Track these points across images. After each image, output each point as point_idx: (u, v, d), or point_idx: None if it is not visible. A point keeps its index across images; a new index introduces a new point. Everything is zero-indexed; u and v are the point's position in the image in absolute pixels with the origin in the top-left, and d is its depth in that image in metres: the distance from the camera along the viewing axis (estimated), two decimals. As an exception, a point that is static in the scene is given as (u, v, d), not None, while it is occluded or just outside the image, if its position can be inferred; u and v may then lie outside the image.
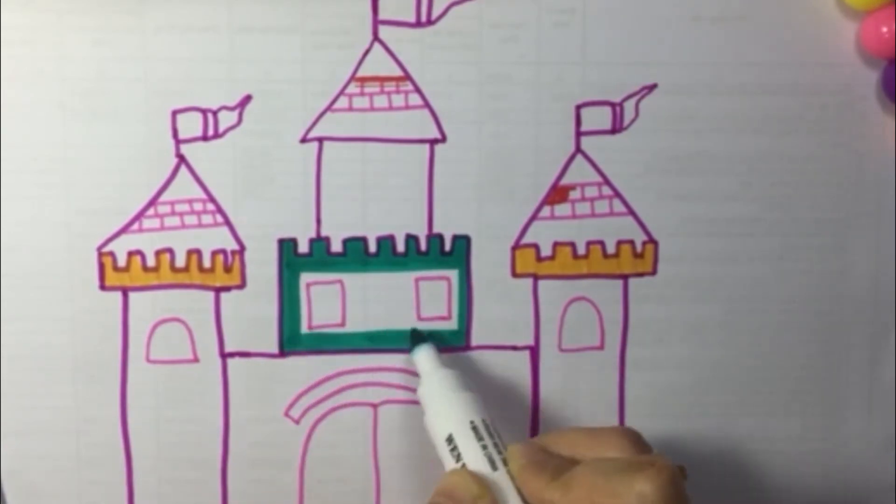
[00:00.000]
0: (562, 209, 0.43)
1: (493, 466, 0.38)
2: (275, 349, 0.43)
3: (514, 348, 0.44)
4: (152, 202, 0.42)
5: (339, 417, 0.44)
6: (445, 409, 0.40)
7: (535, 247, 0.44)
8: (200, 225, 0.43)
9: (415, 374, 0.43)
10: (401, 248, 0.43)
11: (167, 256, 0.43)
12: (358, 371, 0.44)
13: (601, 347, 0.44)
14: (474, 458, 0.38)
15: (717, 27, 0.43)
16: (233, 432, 0.44)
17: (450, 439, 0.39)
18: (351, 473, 0.44)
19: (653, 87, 0.43)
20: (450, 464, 0.39)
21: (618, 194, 0.44)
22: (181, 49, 0.42)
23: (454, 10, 0.42)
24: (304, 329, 0.43)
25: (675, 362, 0.44)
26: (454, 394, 0.40)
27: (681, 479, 0.35)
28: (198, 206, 0.43)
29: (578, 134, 0.43)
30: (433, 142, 0.43)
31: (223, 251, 0.43)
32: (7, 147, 0.42)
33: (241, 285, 0.43)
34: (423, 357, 0.42)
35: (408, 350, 0.43)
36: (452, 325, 0.44)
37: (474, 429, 0.39)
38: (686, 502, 0.35)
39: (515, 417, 0.44)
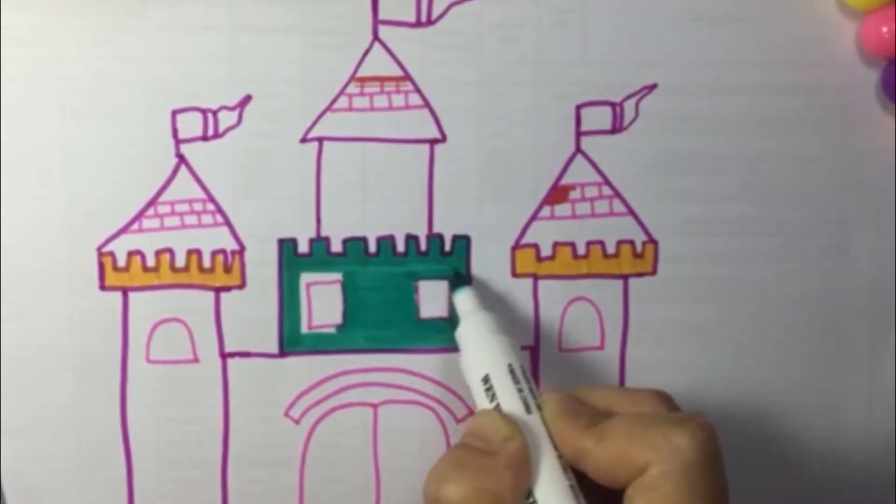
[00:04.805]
0: (562, 209, 0.43)
1: (528, 410, 0.37)
2: (275, 349, 0.43)
3: (514, 348, 0.44)
4: (152, 202, 0.42)
5: (339, 417, 0.44)
6: (483, 349, 0.39)
7: (535, 247, 0.44)
8: (200, 225, 0.43)
9: (415, 374, 0.43)
10: (401, 248, 0.43)
11: (167, 256, 0.43)
12: (358, 371, 0.44)
13: (601, 347, 0.44)
14: (510, 400, 0.38)
15: (717, 27, 0.43)
16: (233, 432, 0.44)
17: (486, 379, 0.38)
18: (351, 473, 0.44)
19: (653, 87, 0.43)
20: (483, 404, 0.38)
21: (618, 194, 0.44)
22: (181, 49, 0.42)
23: (454, 10, 0.42)
24: (303, 329, 0.43)
25: (675, 362, 0.44)
26: (493, 336, 0.40)
27: (718, 440, 0.35)
28: (198, 206, 0.43)
29: (578, 134, 0.43)
30: (433, 142, 0.43)
31: (223, 251, 0.43)
32: (7, 147, 0.42)
33: (241, 285, 0.43)
34: (464, 298, 0.41)
35: (409, 349, 0.43)
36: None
37: (511, 371, 0.38)
38: (721, 464, 0.35)
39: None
